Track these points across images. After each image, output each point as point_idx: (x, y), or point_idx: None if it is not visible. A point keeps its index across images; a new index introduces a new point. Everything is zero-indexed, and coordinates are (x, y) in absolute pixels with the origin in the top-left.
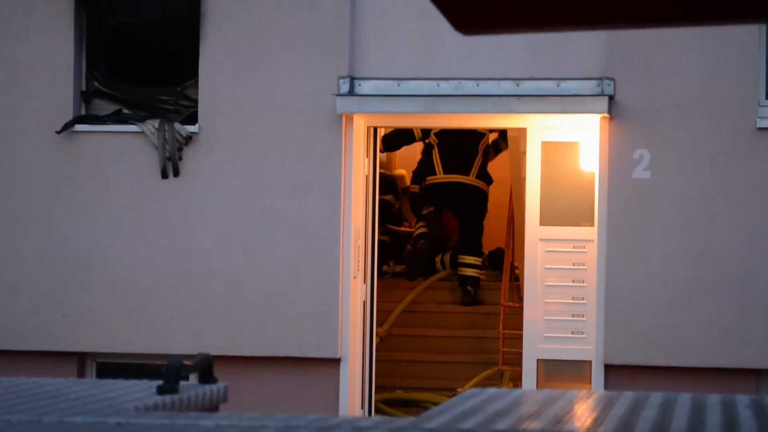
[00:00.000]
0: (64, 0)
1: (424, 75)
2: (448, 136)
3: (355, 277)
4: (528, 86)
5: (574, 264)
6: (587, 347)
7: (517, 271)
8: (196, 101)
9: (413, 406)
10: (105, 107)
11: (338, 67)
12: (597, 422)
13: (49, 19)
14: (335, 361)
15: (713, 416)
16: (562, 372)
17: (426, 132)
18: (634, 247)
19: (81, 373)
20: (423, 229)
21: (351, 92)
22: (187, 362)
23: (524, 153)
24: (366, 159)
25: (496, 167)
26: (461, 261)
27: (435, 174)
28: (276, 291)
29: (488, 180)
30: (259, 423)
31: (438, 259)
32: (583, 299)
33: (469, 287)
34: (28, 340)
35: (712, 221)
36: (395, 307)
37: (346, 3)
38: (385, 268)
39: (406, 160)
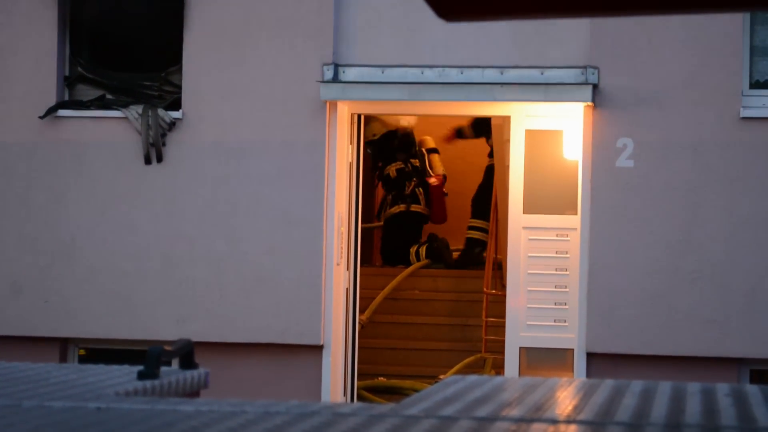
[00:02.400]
0: None
1: (409, 62)
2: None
3: (338, 264)
4: (512, 74)
5: (557, 252)
6: (570, 335)
7: (499, 258)
8: (179, 87)
9: (395, 393)
10: (88, 92)
11: (322, 54)
12: (577, 409)
13: (33, 3)
14: (318, 348)
15: (693, 404)
16: (544, 360)
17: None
18: (617, 235)
19: (63, 360)
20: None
21: (335, 79)
22: (167, 348)
23: (508, 141)
24: (350, 146)
25: (476, 155)
26: (471, 225)
27: None
28: (259, 278)
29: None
30: (239, 409)
31: (413, 250)
32: (565, 287)
33: (477, 250)
34: (10, 326)
35: (695, 210)
36: (377, 295)
37: None
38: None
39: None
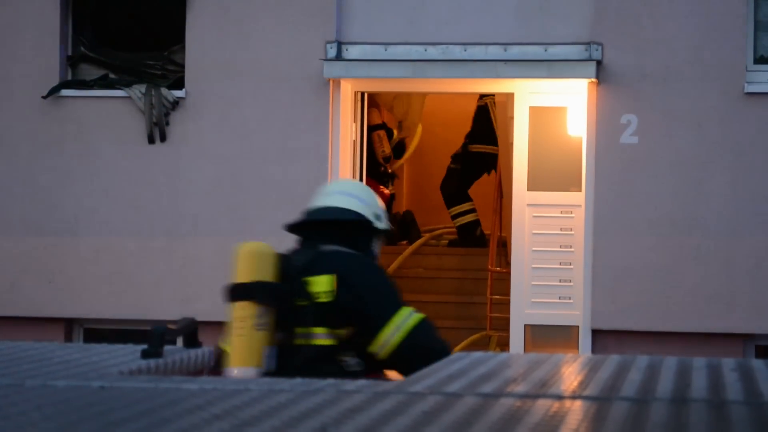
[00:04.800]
0: None
1: (412, 40)
2: None
3: None
4: (515, 51)
5: (561, 229)
6: (574, 312)
7: (503, 236)
8: (182, 66)
9: None
10: (91, 72)
11: (325, 32)
12: (582, 385)
13: None
14: None
15: (699, 379)
16: (549, 337)
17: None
18: (621, 212)
19: (68, 339)
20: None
21: (338, 57)
22: (171, 326)
23: (512, 118)
24: (353, 124)
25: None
26: (454, 213)
27: None
28: None
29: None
30: (243, 387)
31: None
32: (570, 264)
33: (476, 232)
34: (15, 306)
35: (699, 186)
36: None
37: None
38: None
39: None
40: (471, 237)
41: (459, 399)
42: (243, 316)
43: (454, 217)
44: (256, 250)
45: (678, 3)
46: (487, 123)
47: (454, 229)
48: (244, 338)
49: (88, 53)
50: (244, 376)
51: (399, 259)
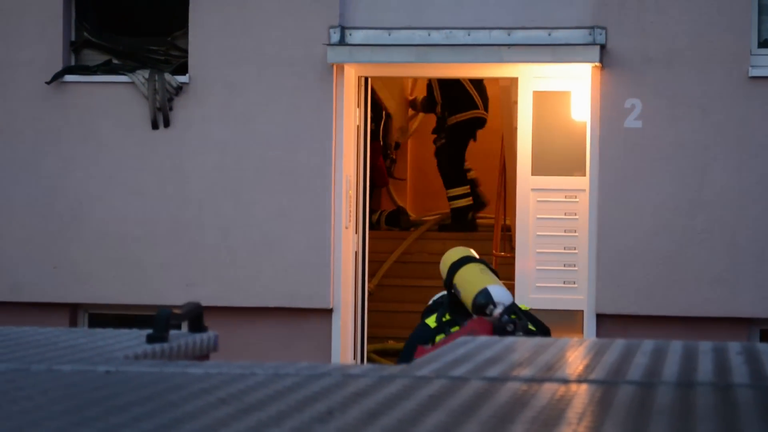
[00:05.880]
0: None
1: (415, 24)
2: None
3: (347, 228)
4: (519, 35)
5: (565, 214)
6: (579, 297)
7: (507, 222)
8: (186, 51)
9: None
10: (95, 58)
11: (329, 17)
12: (588, 369)
13: None
14: (327, 312)
15: (705, 362)
16: (553, 322)
17: None
18: (626, 196)
19: (73, 325)
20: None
21: (342, 42)
22: (176, 310)
23: (515, 103)
24: (357, 109)
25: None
26: (450, 195)
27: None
28: (267, 242)
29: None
30: (249, 371)
31: (375, 217)
32: (574, 249)
33: (468, 216)
34: (19, 292)
35: (704, 170)
36: (386, 258)
37: None
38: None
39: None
40: (463, 221)
41: (465, 383)
42: None
43: (450, 199)
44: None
45: None
46: (455, 91)
47: (448, 213)
48: None
49: (92, 39)
50: None
51: (402, 246)
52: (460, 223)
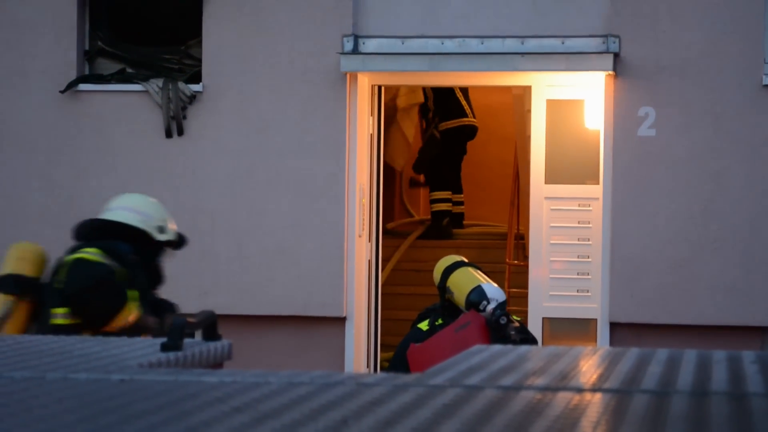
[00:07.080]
0: None
1: (429, 33)
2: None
3: (360, 236)
4: (533, 44)
5: (579, 222)
6: (592, 305)
7: (521, 230)
8: (199, 60)
9: None
10: (109, 66)
11: (342, 26)
12: (602, 378)
13: None
14: (341, 320)
15: (719, 371)
16: (567, 330)
17: None
18: (639, 205)
19: None
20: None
21: (355, 50)
22: (191, 319)
23: (529, 111)
24: (370, 118)
25: (497, 125)
26: (433, 198)
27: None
28: (281, 250)
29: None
30: (263, 379)
31: None
32: (588, 257)
33: (444, 222)
34: None
35: (717, 179)
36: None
37: None
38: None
39: None
40: (437, 226)
41: (479, 392)
42: None
43: (432, 202)
44: (17, 248)
45: None
46: (445, 99)
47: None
48: None
49: (106, 48)
50: None
51: (398, 253)
52: (435, 228)
